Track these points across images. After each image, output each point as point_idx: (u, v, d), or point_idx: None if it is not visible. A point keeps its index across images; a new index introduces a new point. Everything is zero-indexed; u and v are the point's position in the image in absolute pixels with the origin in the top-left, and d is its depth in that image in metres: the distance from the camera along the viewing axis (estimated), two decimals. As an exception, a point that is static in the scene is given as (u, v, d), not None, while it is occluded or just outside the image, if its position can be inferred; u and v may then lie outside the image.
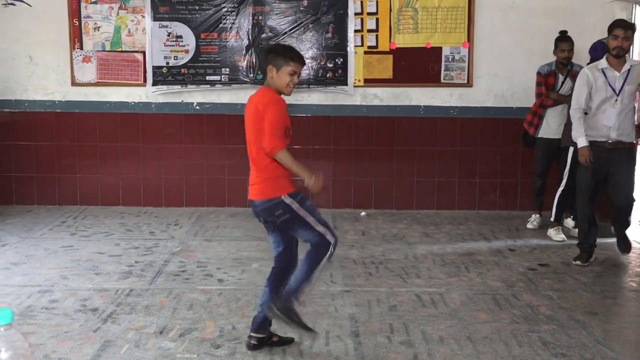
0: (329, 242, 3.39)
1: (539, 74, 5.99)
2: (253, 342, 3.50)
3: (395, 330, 3.73)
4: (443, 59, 6.62)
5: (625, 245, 5.18)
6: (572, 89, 5.52)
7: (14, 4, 6.55)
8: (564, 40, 5.85)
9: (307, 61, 6.57)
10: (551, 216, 5.82)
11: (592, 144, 4.92)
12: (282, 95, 3.46)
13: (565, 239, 5.72)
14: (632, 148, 5.05)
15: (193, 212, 6.64)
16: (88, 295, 4.25)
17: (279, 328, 3.57)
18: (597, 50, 5.51)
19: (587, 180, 4.98)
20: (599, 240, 5.18)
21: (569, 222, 6.06)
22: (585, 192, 5.03)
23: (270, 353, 3.43)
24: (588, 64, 5.59)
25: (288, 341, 3.59)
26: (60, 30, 6.57)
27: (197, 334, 3.66)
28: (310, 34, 6.58)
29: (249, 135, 3.45)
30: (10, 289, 4.34)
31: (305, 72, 6.60)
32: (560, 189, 5.73)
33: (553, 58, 5.97)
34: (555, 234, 5.77)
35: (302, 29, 6.53)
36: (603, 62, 4.93)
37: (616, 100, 4.85)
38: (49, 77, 6.67)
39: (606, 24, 6.27)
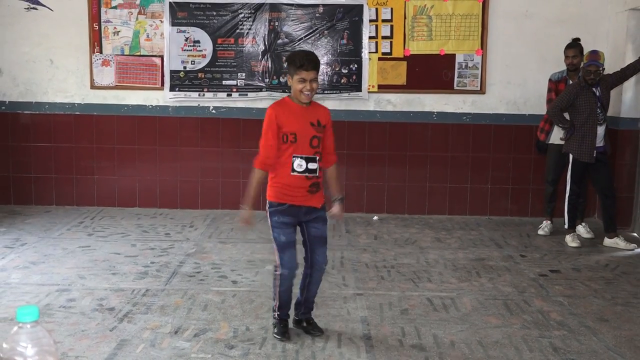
0: (275, 265, 3.59)
1: (550, 80, 6.05)
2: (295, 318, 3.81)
3: (407, 334, 3.78)
4: (456, 66, 6.67)
5: None
6: None
7: (35, 8, 6.68)
8: (569, 47, 5.89)
9: (322, 67, 6.63)
10: (565, 224, 5.84)
11: None
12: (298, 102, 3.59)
13: (581, 245, 5.75)
14: None
15: (208, 214, 6.72)
16: (105, 294, 4.33)
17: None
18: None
19: None
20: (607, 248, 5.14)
21: (580, 229, 6.08)
22: None
23: (284, 355, 3.49)
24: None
25: (318, 330, 3.75)
26: (81, 35, 6.69)
27: (211, 334, 3.71)
28: (326, 40, 6.65)
29: None
30: (29, 288, 4.43)
31: (320, 78, 6.67)
32: (567, 195, 5.77)
33: (565, 66, 6.01)
34: (572, 240, 5.79)
35: (318, 35, 6.60)
36: None
37: None
38: (68, 80, 6.79)
39: (619, 33, 6.27)
